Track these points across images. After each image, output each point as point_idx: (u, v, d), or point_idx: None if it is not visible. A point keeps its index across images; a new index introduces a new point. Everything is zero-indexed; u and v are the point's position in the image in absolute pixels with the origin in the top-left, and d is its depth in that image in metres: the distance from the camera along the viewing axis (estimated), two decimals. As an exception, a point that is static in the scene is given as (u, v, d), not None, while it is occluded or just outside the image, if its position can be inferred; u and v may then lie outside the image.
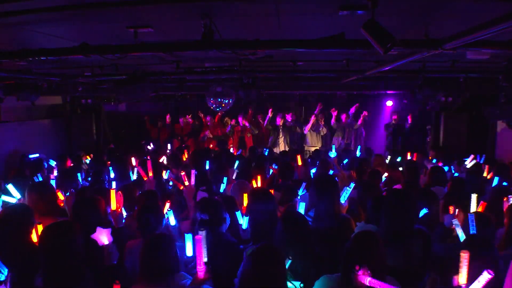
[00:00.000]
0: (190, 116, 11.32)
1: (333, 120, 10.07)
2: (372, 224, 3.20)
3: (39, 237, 2.48)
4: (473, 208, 3.54)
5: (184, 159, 6.86)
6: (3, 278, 2.26)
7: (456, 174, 6.02)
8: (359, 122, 10.09)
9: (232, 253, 2.82)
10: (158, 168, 5.34)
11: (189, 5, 2.97)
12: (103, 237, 2.69)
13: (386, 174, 5.37)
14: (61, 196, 4.26)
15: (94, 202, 3.20)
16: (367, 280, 2.03)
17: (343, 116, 10.28)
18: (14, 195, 4.00)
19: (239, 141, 10.70)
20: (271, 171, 5.81)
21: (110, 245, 2.69)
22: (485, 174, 5.65)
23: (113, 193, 3.38)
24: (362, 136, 10.37)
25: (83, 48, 3.82)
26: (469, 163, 6.19)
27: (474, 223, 2.81)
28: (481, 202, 3.53)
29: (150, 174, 4.92)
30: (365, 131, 10.48)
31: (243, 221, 3.40)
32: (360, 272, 2.06)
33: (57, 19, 3.32)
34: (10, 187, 4.05)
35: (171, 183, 5.34)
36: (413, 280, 2.61)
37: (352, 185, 4.09)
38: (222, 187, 4.56)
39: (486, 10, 2.96)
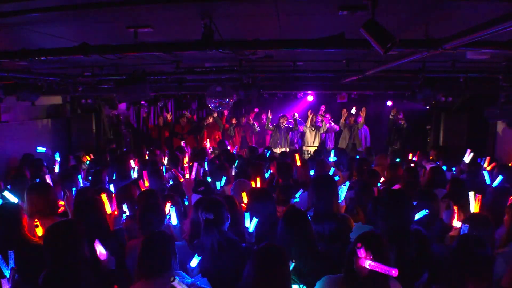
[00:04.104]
0: (188, 112, 11.29)
1: (342, 120, 10.03)
2: (370, 225, 3.19)
3: (43, 235, 2.47)
4: (472, 208, 3.52)
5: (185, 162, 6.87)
6: (7, 275, 2.26)
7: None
8: (359, 119, 10.04)
9: (235, 251, 2.83)
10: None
11: (189, 5, 2.97)
12: (100, 248, 2.65)
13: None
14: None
15: (95, 203, 3.21)
16: (367, 263, 2.02)
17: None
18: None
19: (241, 141, 10.71)
20: (269, 171, 5.81)
21: (106, 255, 2.66)
22: (486, 165, 5.66)
23: (104, 197, 3.40)
24: (368, 136, 10.35)
25: (83, 48, 3.82)
26: (467, 157, 6.11)
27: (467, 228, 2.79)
28: (477, 196, 3.49)
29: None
30: (368, 129, 10.44)
31: (251, 224, 3.11)
32: (360, 254, 2.04)
33: (57, 19, 3.32)
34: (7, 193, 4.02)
35: (171, 182, 5.35)
36: (406, 281, 2.59)
37: (347, 183, 4.08)
38: (218, 185, 4.56)
39: (486, 10, 2.96)
